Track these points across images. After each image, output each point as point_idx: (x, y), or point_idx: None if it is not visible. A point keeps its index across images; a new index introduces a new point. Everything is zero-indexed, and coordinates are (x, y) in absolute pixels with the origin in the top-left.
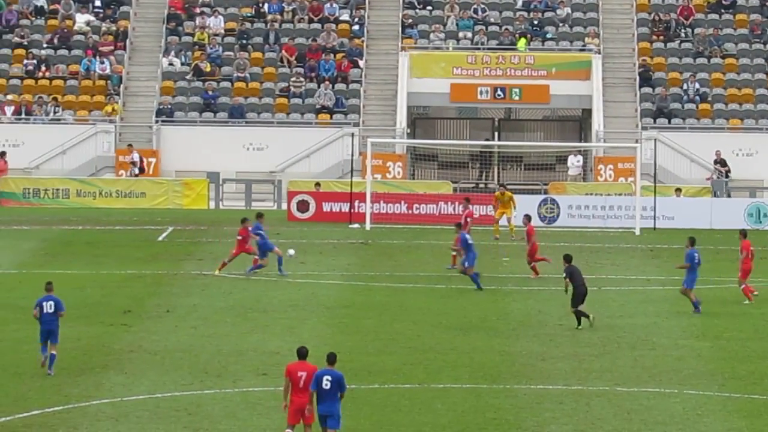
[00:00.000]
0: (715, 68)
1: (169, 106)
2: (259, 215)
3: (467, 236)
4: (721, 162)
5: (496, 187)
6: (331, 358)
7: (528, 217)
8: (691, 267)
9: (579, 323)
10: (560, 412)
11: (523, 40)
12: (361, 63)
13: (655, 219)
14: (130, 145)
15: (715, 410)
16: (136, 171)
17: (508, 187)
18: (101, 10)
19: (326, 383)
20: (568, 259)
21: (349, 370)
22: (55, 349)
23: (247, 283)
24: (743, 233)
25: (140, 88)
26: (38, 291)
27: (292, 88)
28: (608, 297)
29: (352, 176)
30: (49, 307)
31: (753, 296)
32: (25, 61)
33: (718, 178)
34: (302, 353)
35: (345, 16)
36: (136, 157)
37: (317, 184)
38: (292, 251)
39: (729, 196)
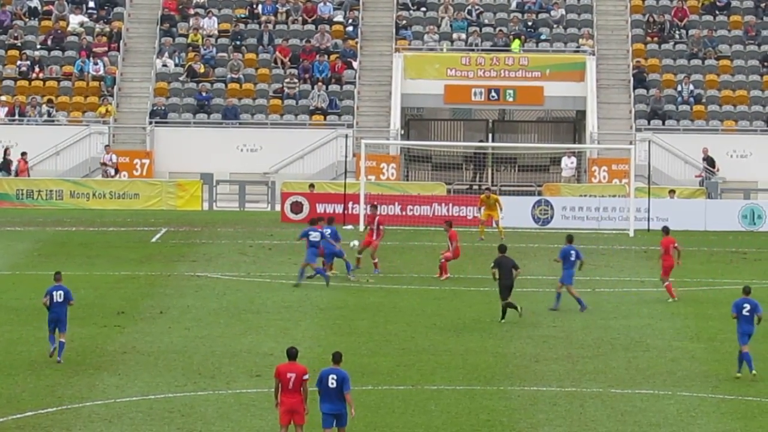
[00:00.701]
0: (710, 70)
1: (163, 108)
2: (331, 220)
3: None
4: (708, 160)
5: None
6: (337, 357)
7: (449, 224)
8: (566, 263)
9: (503, 317)
10: (554, 414)
11: (517, 42)
12: (355, 64)
13: (649, 220)
14: (107, 146)
15: (709, 412)
16: (112, 172)
17: (502, 188)
18: (95, 11)
19: (332, 382)
20: (501, 249)
21: None
22: (63, 337)
23: (240, 284)
24: (665, 230)
25: (134, 89)
26: (31, 292)
27: (286, 90)
28: (602, 298)
29: (345, 177)
30: (58, 296)
31: (675, 294)
32: (19, 62)
33: (706, 176)
34: (292, 354)
35: (339, 18)
36: (114, 158)
37: (311, 186)
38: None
39: (720, 197)
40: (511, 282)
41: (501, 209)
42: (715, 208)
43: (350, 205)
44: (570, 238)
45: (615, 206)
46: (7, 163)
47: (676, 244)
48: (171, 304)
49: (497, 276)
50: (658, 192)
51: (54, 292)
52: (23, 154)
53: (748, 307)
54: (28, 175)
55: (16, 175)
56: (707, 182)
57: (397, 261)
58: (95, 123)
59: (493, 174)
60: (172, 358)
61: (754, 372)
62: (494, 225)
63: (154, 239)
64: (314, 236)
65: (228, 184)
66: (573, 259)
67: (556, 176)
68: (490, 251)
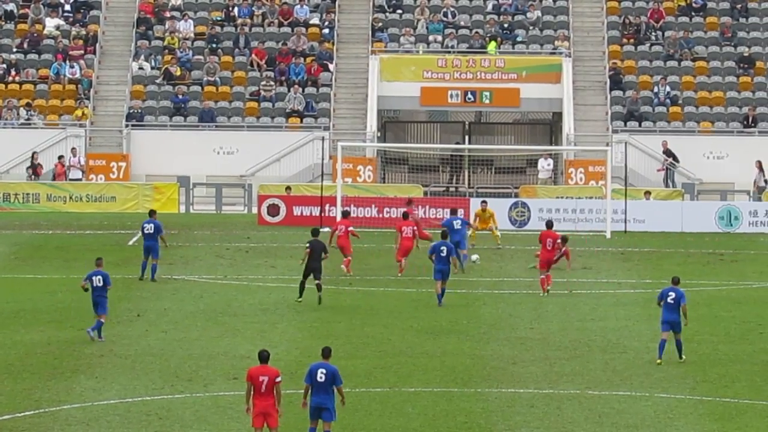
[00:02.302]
0: (686, 71)
1: (140, 110)
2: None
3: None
4: (667, 152)
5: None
6: (326, 352)
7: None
8: (437, 259)
9: (300, 295)
10: (531, 416)
11: (493, 44)
12: (332, 67)
13: (626, 222)
14: (73, 149)
15: (687, 413)
16: (79, 174)
17: (479, 190)
18: (71, 15)
19: (321, 376)
20: (314, 233)
21: None
22: (103, 318)
23: (217, 287)
24: (548, 224)
25: (110, 92)
26: (8, 295)
27: (263, 92)
28: (579, 300)
29: (322, 180)
30: (98, 281)
31: (547, 289)
32: None
33: (668, 170)
34: (263, 357)
35: (315, 20)
36: (82, 161)
37: (288, 188)
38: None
39: (674, 185)
40: (319, 265)
41: (496, 225)
42: (692, 210)
43: (327, 207)
44: (443, 234)
45: (592, 208)
46: (35, 167)
47: (558, 240)
48: (148, 306)
49: (306, 258)
50: (635, 193)
51: (93, 277)
52: (60, 157)
53: (673, 295)
54: (66, 179)
55: (53, 178)
56: (684, 183)
57: (374, 263)
58: (72, 126)
59: (469, 176)
60: (149, 361)
61: (683, 358)
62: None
63: (131, 242)
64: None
65: (205, 187)
66: (445, 255)
67: (533, 178)
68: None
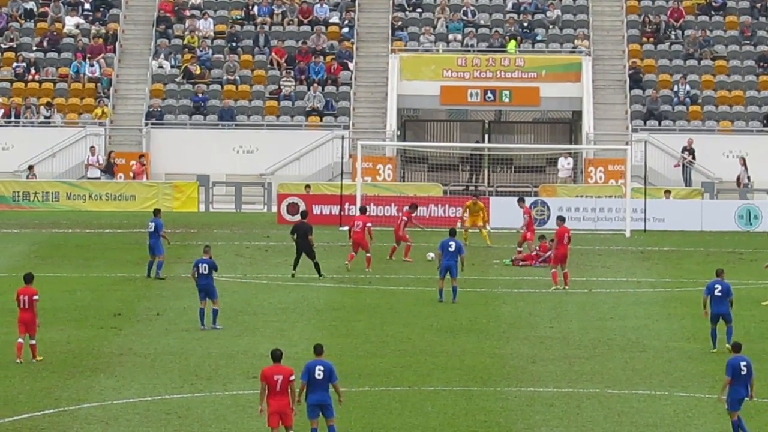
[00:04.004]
0: (706, 70)
1: (159, 109)
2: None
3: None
4: (689, 150)
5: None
6: (318, 350)
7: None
8: (444, 254)
9: (294, 268)
10: (551, 415)
11: (513, 42)
12: (351, 65)
13: (645, 221)
14: (92, 147)
15: (706, 412)
16: (97, 173)
17: (498, 189)
18: (91, 13)
19: (319, 373)
20: (302, 215)
21: (340, 373)
22: (216, 304)
23: (236, 286)
24: (561, 219)
25: (130, 90)
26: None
27: (282, 91)
28: (599, 299)
29: (342, 179)
30: (203, 268)
31: (560, 284)
32: (15, 64)
33: (686, 166)
34: (276, 356)
35: (335, 19)
36: (100, 159)
37: (307, 187)
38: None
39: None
40: (307, 244)
41: (486, 221)
42: (712, 209)
43: (346, 206)
44: (450, 232)
45: (611, 207)
46: (111, 166)
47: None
48: (168, 305)
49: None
50: (655, 192)
51: (200, 264)
52: (141, 157)
53: (719, 287)
54: (146, 178)
55: (134, 178)
56: (704, 182)
57: (394, 262)
58: (91, 125)
59: (489, 175)
60: (168, 359)
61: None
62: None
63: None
64: None
65: (224, 186)
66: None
67: (553, 177)
68: (477, 251)
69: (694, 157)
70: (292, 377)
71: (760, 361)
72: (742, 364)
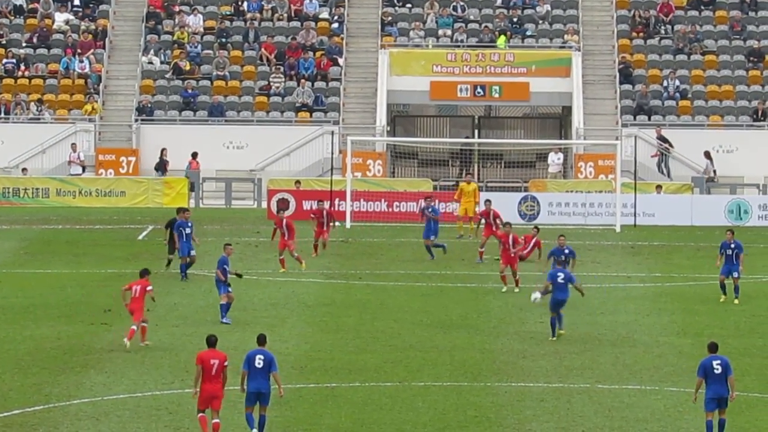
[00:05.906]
0: (696, 65)
1: (149, 105)
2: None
3: None
4: (661, 138)
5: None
6: (261, 339)
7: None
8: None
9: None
10: (541, 410)
11: (502, 38)
12: (341, 61)
13: (635, 216)
14: (73, 144)
15: (696, 407)
16: (80, 170)
17: (488, 184)
18: (80, 9)
19: (258, 362)
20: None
21: (330, 369)
22: (222, 299)
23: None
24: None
25: (120, 86)
26: (18, 291)
27: (272, 87)
28: (589, 294)
29: (332, 174)
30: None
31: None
32: (5, 60)
33: (662, 155)
34: (212, 341)
35: (324, 14)
36: (82, 155)
37: (297, 183)
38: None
39: (668, 175)
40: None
41: (477, 203)
42: (702, 204)
43: (337, 201)
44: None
45: (601, 202)
46: (163, 163)
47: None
48: (158, 301)
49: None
50: (645, 187)
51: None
52: (194, 154)
53: (561, 276)
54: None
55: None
56: (695, 177)
57: (384, 258)
58: (81, 121)
59: (479, 170)
60: (159, 355)
61: (562, 331)
62: (470, 221)
63: (140, 237)
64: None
65: (214, 182)
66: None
67: (543, 172)
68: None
69: (670, 145)
70: (227, 362)
71: (749, 356)
72: (716, 363)
